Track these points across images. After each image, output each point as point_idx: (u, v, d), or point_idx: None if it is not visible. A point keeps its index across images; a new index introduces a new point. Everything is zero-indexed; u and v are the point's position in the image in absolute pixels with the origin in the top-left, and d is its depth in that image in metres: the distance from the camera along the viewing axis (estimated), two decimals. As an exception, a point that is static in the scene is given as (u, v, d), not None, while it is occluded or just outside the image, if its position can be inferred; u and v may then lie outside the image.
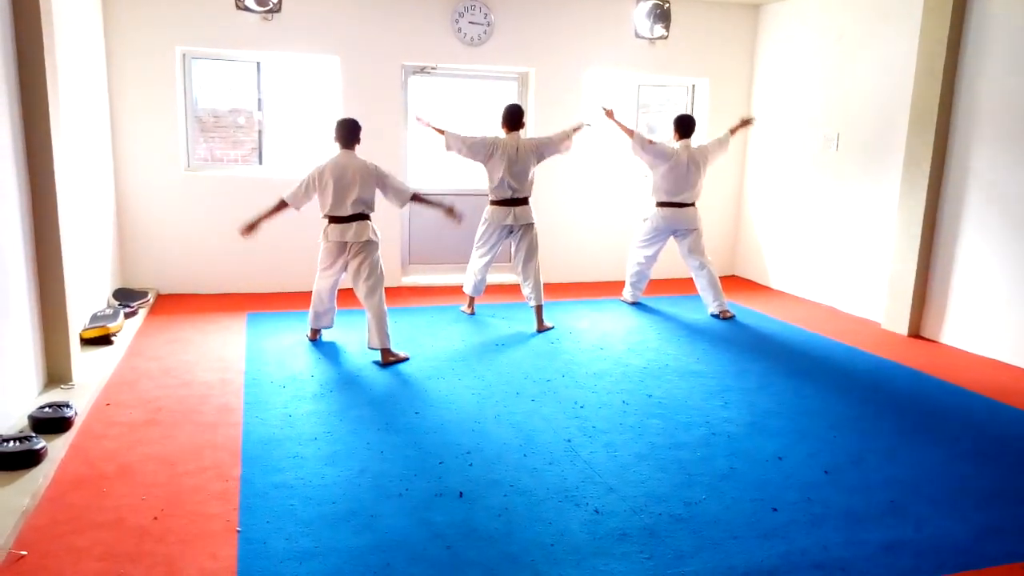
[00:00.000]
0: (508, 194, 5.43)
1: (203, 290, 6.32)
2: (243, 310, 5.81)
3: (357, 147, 4.73)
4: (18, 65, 3.63)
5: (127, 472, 3.12)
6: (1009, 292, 4.95)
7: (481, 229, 5.61)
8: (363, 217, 4.72)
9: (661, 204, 5.95)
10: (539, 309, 5.50)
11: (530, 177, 5.51)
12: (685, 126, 5.94)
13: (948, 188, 5.35)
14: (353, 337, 5.12)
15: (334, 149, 4.73)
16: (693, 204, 5.96)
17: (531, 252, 5.50)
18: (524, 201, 5.50)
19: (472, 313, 5.89)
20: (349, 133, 4.66)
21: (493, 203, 5.51)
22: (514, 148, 5.39)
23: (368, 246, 4.73)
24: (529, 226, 5.52)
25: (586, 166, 7.21)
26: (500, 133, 5.50)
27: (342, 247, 4.72)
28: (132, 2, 5.77)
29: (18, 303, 3.58)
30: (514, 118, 5.47)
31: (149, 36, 5.84)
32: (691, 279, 7.68)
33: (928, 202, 5.38)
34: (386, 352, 4.63)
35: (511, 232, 5.54)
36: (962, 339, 5.28)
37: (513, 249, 5.60)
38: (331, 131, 4.73)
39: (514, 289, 6.87)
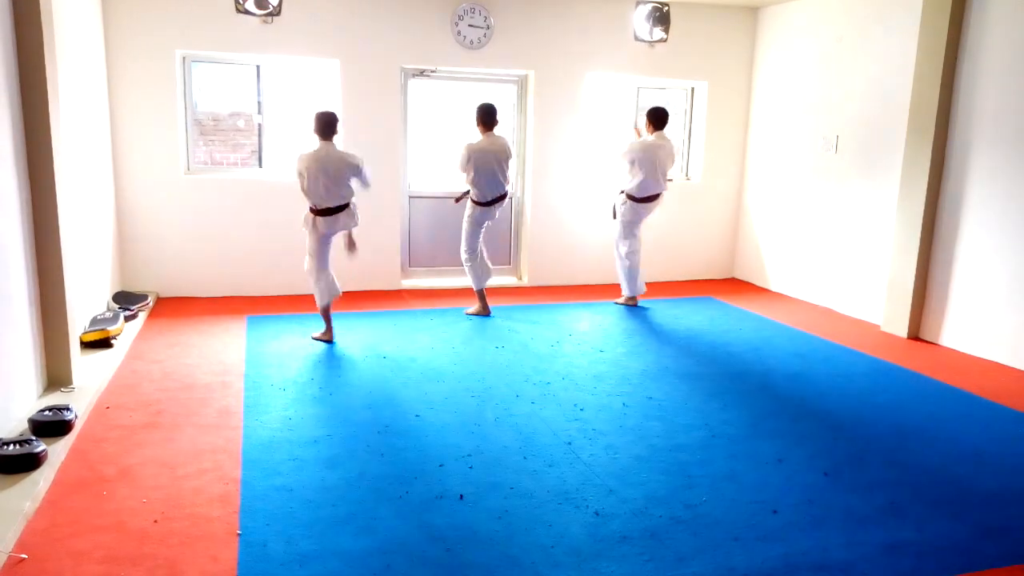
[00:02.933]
0: (496, 194, 5.64)
1: (203, 293, 6.32)
2: (243, 313, 5.81)
3: (335, 138, 4.90)
4: (19, 70, 3.64)
5: (127, 475, 3.12)
6: (1008, 294, 4.96)
7: (472, 228, 5.75)
8: (347, 206, 4.89)
9: (641, 200, 6.04)
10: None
11: (508, 174, 5.75)
12: (660, 118, 6.01)
13: (947, 190, 5.36)
14: (353, 339, 5.12)
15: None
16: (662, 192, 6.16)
17: None
18: (504, 196, 5.71)
19: (487, 314, 5.94)
20: (330, 125, 4.83)
21: (480, 204, 5.67)
22: (493, 150, 5.55)
23: (350, 225, 5.00)
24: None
25: (583, 169, 7.21)
26: (476, 134, 5.65)
27: (332, 234, 4.96)
28: (132, 6, 5.78)
29: (18, 307, 3.58)
30: (490, 117, 5.58)
31: (149, 40, 5.85)
32: (689, 281, 7.70)
33: (927, 204, 5.39)
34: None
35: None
36: (961, 341, 5.29)
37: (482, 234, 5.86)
38: (310, 124, 4.87)
39: (514, 291, 6.88)
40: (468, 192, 5.71)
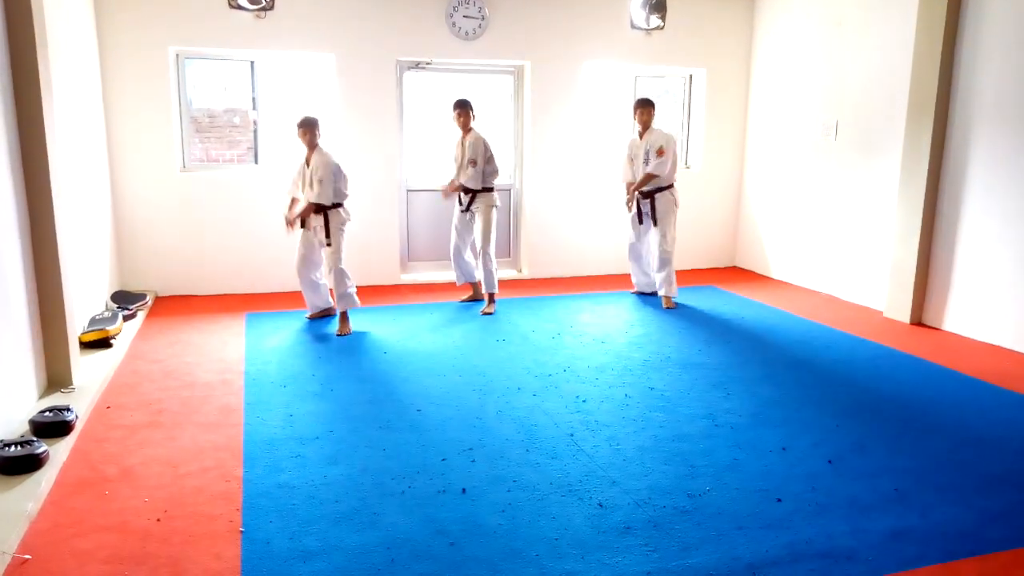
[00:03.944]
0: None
1: (201, 291, 6.31)
2: (242, 310, 5.80)
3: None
4: (11, 69, 3.61)
5: (129, 474, 3.12)
6: (1011, 278, 4.94)
7: (496, 218, 5.86)
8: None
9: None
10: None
11: None
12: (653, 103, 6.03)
13: (948, 174, 5.33)
14: (353, 335, 5.11)
15: (332, 147, 4.81)
16: None
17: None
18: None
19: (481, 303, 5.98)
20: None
21: (496, 189, 5.82)
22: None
23: None
24: None
25: (582, 160, 7.19)
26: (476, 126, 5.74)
27: None
28: (124, 3, 5.74)
29: (17, 308, 3.56)
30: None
31: (142, 37, 5.82)
32: (690, 270, 7.68)
33: (928, 189, 5.36)
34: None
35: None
36: (964, 326, 5.27)
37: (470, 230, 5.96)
38: (310, 130, 5.08)
39: (514, 283, 6.86)
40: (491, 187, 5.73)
